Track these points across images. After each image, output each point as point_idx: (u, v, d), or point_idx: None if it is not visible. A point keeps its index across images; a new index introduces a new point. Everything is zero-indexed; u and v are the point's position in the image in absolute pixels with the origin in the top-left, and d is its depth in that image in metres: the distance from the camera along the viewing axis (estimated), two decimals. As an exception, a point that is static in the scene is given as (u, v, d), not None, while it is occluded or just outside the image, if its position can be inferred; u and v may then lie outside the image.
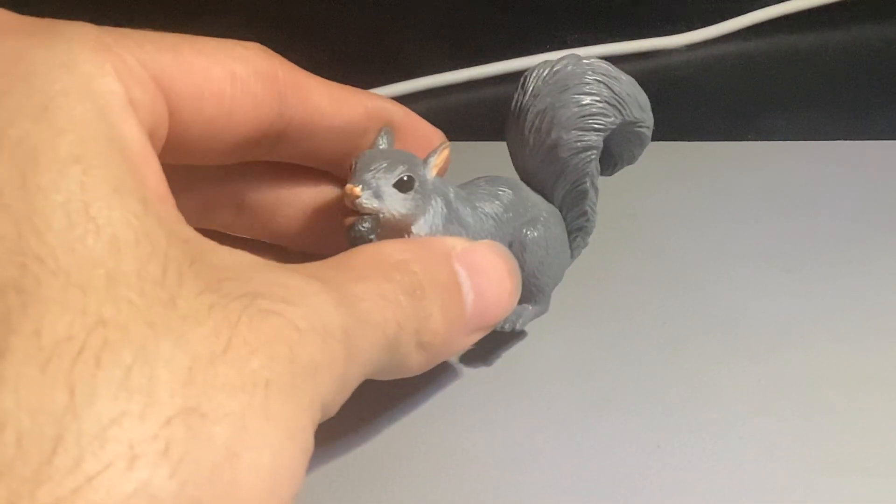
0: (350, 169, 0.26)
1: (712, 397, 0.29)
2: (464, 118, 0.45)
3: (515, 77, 0.48)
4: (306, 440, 0.19)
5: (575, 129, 0.29)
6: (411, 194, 0.26)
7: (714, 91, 0.48)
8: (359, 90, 0.28)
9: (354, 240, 0.26)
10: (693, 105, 0.47)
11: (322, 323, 0.20)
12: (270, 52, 0.25)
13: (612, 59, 0.51)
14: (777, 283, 0.34)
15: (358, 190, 0.25)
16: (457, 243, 0.26)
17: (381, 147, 0.27)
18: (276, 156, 0.27)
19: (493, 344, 0.31)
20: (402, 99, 0.46)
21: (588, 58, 0.29)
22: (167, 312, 0.18)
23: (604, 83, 0.29)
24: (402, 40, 0.53)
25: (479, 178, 0.30)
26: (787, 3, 0.52)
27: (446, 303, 0.25)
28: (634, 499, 0.26)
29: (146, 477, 0.16)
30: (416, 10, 0.56)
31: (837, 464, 0.26)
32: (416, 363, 0.25)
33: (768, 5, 0.52)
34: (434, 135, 0.29)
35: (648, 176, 0.38)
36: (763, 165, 0.41)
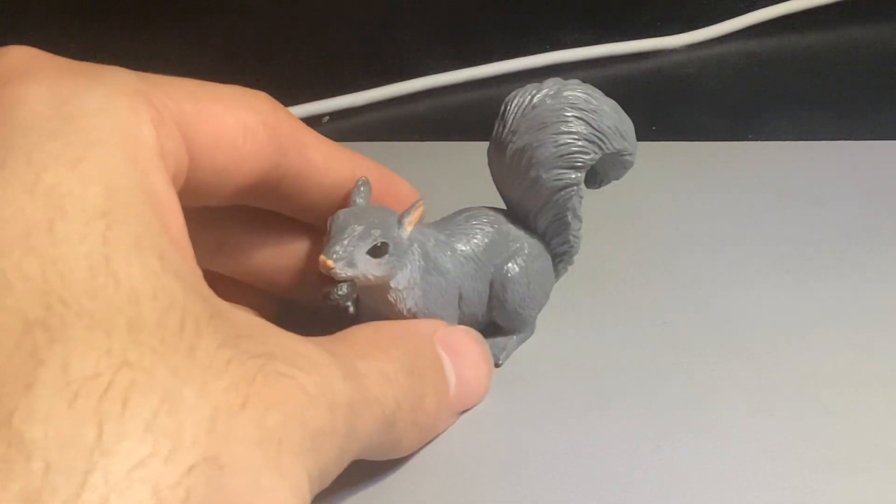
0: (326, 230, 0.27)
1: (712, 397, 0.29)
2: (464, 118, 0.45)
3: (515, 77, 0.48)
4: (305, 502, 0.19)
5: (554, 168, 0.29)
6: (385, 258, 0.27)
7: (714, 91, 0.48)
8: (350, 151, 0.29)
9: (332, 307, 0.27)
10: (693, 105, 0.47)
11: (331, 393, 0.20)
12: (275, 102, 0.26)
13: (613, 60, 0.51)
14: (777, 282, 0.34)
15: (330, 263, 0.26)
16: (436, 326, 0.27)
17: (357, 202, 0.28)
18: (266, 204, 0.28)
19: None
20: (403, 99, 0.46)
21: (569, 86, 0.29)
22: (188, 362, 0.18)
23: (583, 119, 0.28)
24: (402, 40, 0.53)
25: (458, 215, 0.30)
26: (787, 3, 0.52)
27: (437, 383, 0.26)
28: (634, 499, 0.26)
29: None
30: (416, 10, 0.56)
31: (837, 463, 0.26)
32: (409, 442, 0.26)
33: (768, 5, 0.52)
34: (411, 194, 0.30)
35: (648, 176, 0.38)
36: (763, 165, 0.41)
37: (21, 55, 0.22)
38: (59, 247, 0.18)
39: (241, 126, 0.24)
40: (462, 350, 0.28)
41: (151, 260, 0.19)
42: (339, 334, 0.25)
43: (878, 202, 0.38)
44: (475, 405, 0.28)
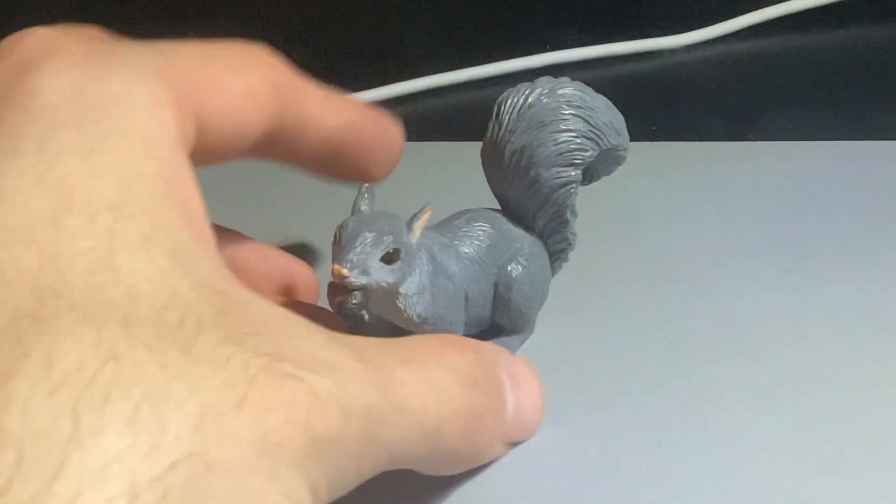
0: (335, 239, 0.27)
1: (712, 397, 0.29)
2: (464, 118, 0.45)
3: (516, 77, 0.48)
4: None
5: (554, 167, 0.29)
6: (398, 264, 0.27)
7: (714, 91, 0.48)
8: (344, 97, 0.28)
9: (347, 316, 0.27)
10: (693, 105, 0.47)
11: (345, 398, 0.19)
12: (274, 56, 0.26)
13: (613, 59, 0.51)
14: (777, 282, 0.34)
15: (345, 271, 0.26)
16: (501, 350, 0.26)
17: (362, 209, 0.28)
18: (264, 156, 0.27)
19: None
20: (403, 99, 0.46)
21: (562, 84, 0.29)
22: (181, 357, 0.17)
23: (580, 117, 0.29)
24: (402, 40, 0.53)
25: (457, 217, 0.30)
26: (787, 3, 0.52)
27: (496, 405, 0.25)
28: (634, 499, 0.26)
29: None
30: (416, 10, 0.56)
31: (837, 463, 0.26)
32: (459, 459, 0.24)
33: (768, 5, 0.52)
34: (397, 133, 0.30)
35: (648, 176, 0.38)
36: (763, 165, 0.41)
37: (41, 38, 0.21)
38: (60, 241, 0.18)
39: (248, 91, 0.24)
40: (523, 379, 0.26)
41: (159, 256, 0.19)
42: (397, 340, 0.23)
43: (878, 202, 0.38)
44: (527, 439, 0.27)
